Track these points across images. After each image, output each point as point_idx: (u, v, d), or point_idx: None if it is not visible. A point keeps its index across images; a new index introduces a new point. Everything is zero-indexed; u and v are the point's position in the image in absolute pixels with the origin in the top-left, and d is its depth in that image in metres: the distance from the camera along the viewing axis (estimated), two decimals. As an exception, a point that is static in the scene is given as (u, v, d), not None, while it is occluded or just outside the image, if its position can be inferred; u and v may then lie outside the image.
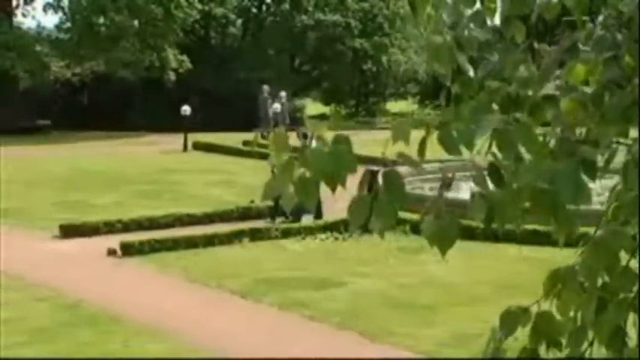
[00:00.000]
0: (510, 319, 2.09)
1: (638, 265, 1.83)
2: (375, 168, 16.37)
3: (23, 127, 33.31)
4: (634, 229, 1.82)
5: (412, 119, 1.79)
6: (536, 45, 1.90)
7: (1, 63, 31.78)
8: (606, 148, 1.62)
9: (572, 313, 2.05)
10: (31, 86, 37.18)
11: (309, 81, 50.53)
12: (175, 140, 28.47)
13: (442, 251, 1.75)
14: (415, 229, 14.76)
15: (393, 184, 1.71)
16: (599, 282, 1.87)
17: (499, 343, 2.11)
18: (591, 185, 1.70)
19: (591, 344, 2.00)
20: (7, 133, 32.04)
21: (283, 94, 32.14)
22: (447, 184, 1.80)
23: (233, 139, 28.32)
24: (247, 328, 9.73)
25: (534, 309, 2.09)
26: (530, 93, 1.80)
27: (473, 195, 1.74)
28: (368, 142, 28.80)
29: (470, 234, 14.45)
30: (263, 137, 31.28)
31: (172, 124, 30.82)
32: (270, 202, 16.05)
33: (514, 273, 11.62)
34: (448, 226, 1.72)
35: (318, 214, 15.29)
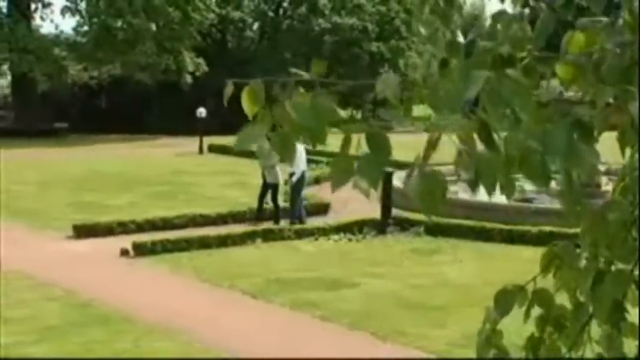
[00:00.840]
0: (506, 298, 2.00)
1: (637, 237, 1.75)
2: (389, 169, 16.30)
3: (41, 130, 33.50)
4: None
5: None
6: (531, 1, 1.81)
7: (19, 66, 31.97)
8: (603, 110, 1.52)
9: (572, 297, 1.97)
10: (49, 89, 37.44)
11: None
12: (191, 143, 28.52)
13: (428, 211, 1.65)
14: (429, 230, 14.67)
15: (377, 143, 1.62)
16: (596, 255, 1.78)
17: (494, 324, 2.03)
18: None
19: (590, 319, 1.92)
20: (25, 135, 32.26)
21: None
22: (433, 144, 1.70)
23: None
24: (258, 328, 9.65)
25: (530, 287, 2.02)
26: (524, 54, 1.71)
27: (459, 153, 1.64)
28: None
29: (486, 236, 14.37)
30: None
31: (189, 127, 30.89)
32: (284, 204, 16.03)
33: (529, 275, 11.42)
34: (434, 184, 1.62)
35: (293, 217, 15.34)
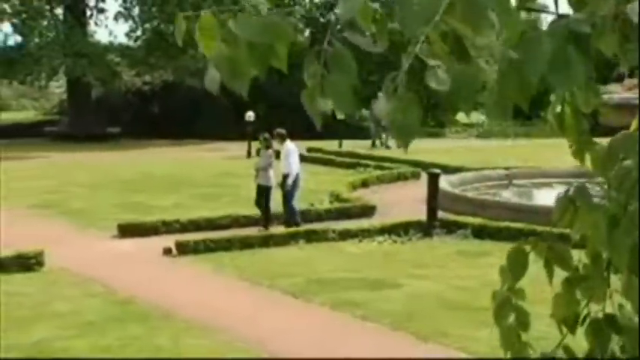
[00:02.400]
0: (519, 258, 1.81)
1: None
2: (436, 171, 16.05)
3: (94, 134, 34.00)
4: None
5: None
6: None
7: (73, 70, 32.51)
8: (601, 19, 1.32)
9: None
10: (103, 95, 38.03)
11: (378, 91, 50.05)
12: (241, 147, 28.60)
13: (403, 141, 1.46)
14: (477, 233, 14.35)
15: (341, 61, 1.45)
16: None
17: (513, 283, 1.84)
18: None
19: (608, 267, 1.72)
20: (78, 139, 32.82)
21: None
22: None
23: (298, 146, 28.22)
24: (297, 327, 9.50)
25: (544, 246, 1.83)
26: None
27: (431, 67, 1.45)
28: (436, 150, 28.45)
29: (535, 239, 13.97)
30: (374, 145, 31.24)
31: (239, 131, 30.94)
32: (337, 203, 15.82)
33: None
34: (407, 106, 1.43)
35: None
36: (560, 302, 1.83)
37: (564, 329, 1.82)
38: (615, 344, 1.79)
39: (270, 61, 1.45)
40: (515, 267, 1.84)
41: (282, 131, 15.47)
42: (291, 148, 15.23)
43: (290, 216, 14.90)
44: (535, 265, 1.96)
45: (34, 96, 54.66)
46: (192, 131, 35.51)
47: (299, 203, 15.44)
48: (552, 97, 1.65)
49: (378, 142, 31.89)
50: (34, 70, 33.43)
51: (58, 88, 45.71)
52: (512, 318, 1.88)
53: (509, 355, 1.89)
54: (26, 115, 46.18)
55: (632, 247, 1.54)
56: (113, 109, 37.62)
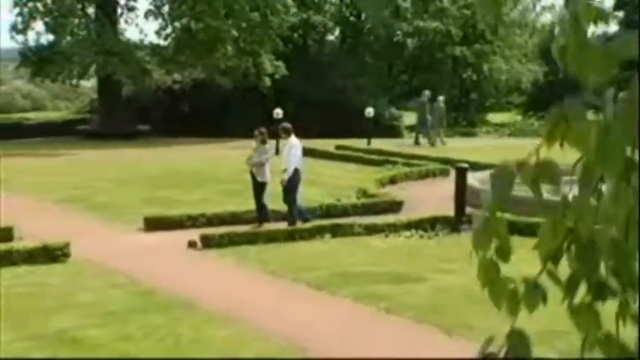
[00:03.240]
0: (504, 175, 1.67)
1: None
2: (464, 165, 15.82)
3: (124, 133, 34.17)
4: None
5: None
6: None
7: (104, 67, 32.70)
8: None
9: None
10: (133, 94, 38.24)
11: (408, 90, 49.88)
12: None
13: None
14: (511, 229, 14.09)
15: None
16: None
17: (493, 212, 1.69)
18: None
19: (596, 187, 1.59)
20: (109, 137, 33.00)
21: (441, 98, 32.91)
22: None
23: (327, 144, 28.15)
24: (319, 318, 9.37)
25: (533, 160, 1.69)
26: None
27: None
28: (466, 148, 28.14)
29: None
30: (417, 143, 31.12)
31: (269, 130, 30.86)
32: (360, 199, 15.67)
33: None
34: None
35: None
36: (546, 233, 1.69)
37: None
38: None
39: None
40: (499, 187, 1.69)
41: (288, 125, 15.17)
42: (295, 143, 14.76)
43: (292, 214, 14.41)
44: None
45: (68, 96, 55.30)
46: (222, 130, 35.56)
47: (301, 199, 15.01)
48: None
49: (422, 140, 31.55)
50: (65, 69, 33.66)
51: (90, 89, 46.14)
52: (493, 247, 1.75)
53: (485, 292, 1.76)
54: (60, 114, 46.64)
55: (624, 157, 1.43)
56: (144, 108, 37.80)
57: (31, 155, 27.95)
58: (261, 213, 14.65)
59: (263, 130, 15.19)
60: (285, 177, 14.45)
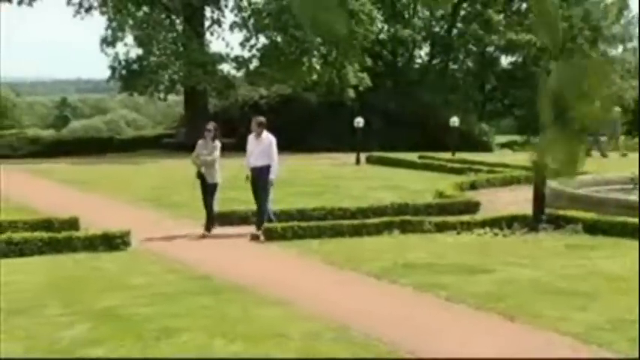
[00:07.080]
0: None
1: None
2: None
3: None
4: None
5: None
6: None
7: (188, 79, 33.05)
8: None
9: None
10: (220, 109, 38.57)
11: (501, 108, 48.55)
12: (352, 157, 28.17)
13: None
14: (589, 228, 13.23)
15: None
16: None
17: None
18: None
19: None
20: (193, 149, 33.23)
21: (617, 108, 31.03)
22: None
23: (411, 156, 27.56)
24: (372, 303, 8.83)
25: None
26: None
27: None
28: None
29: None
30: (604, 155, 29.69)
31: (353, 145, 30.45)
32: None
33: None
34: None
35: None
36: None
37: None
38: None
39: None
40: None
41: (262, 119, 13.98)
42: (272, 139, 13.72)
43: (265, 212, 13.40)
44: None
45: (167, 122, 56.38)
46: (306, 145, 35.36)
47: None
48: None
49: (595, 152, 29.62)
50: (153, 82, 34.20)
51: (177, 106, 46.86)
52: None
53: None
54: (152, 131, 47.61)
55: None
56: (230, 122, 38.05)
57: (114, 163, 28.46)
58: (209, 217, 13.59)
59: (214, 124, 14.12)
60: (273, 176, 13.55)
